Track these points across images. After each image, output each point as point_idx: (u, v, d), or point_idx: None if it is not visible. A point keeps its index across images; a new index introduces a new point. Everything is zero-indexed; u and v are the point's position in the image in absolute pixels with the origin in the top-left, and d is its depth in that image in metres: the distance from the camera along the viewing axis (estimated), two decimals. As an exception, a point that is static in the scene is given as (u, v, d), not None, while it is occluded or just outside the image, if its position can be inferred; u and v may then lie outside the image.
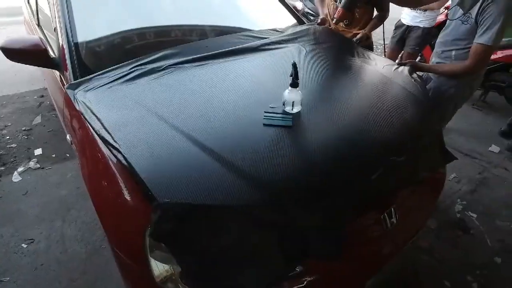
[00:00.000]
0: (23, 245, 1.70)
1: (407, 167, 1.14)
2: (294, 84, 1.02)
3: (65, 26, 1.38)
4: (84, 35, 1.40)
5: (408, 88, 1.40)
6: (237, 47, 1.50)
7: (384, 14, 1.95)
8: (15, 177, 2.17)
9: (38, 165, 2.27)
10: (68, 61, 1.33)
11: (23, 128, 2.65)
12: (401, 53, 2.95)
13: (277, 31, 1.75)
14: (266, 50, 1.54)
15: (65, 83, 1.32)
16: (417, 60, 3.08)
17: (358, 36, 1.87)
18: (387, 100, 1.28)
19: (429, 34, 2.69)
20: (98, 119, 1.07)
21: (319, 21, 1.91)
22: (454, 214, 1.98)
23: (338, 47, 1.69)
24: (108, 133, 1.00)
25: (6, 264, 1.60)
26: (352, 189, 0.99)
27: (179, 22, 1.69)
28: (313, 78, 1.33)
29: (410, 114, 1.25)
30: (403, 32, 2.75)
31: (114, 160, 0.97)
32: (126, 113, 1.08)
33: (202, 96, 1.17)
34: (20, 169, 2.24)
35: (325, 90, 1.29)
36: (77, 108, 1.16)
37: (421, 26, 2.62)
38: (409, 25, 2.69)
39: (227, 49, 1.47)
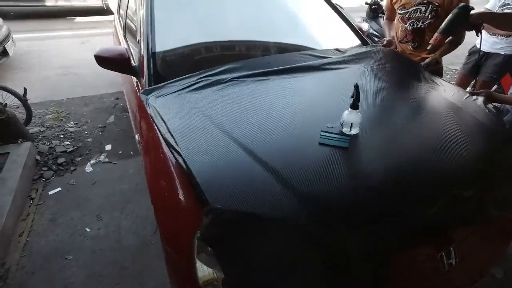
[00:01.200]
0: (86, 229, 1.90)
1: (474, 203, 1.03)
2: (355, 106, 1.01)
3: (147, 39, 1.55)
4: (161, 47, 1.56)
5: (479, 118, 1.28)
6: (299, 64, 1.53)
7: (459, 39, 1.83)
8: (88, 168, 2.44)
9: (107, 159, 2.53)
10: (145, 69, 1.48)
11: (99, 125, 2.98)
12: (473, 82, 2.71)
13: (340, 51, 1.75)
14: (328, 70, 1.54)
15: (141, 89, 1.47)
16: (492, 89, 2.80)
17: (427, 60, 1.78)
18: (455, 129, 1.19)
19: (510, 62, 2.44)
20: (165, 123, 1.17)
21: (385, 42, 1.87)
22: (529, 266, 1.72)
23: (403, 71, 1.63)
24: (172, 137, 1.09)
25: (72, 244, 1.80)
26: (405, 218, 0.92)
27: (245, 38, 1.79)
28: (374, 100, 1.30)
29: (481, 145, 1.14)
30: (479, 58, 2.54)
31: (175, 162, 1.04)
32: (190, 121, 1.17)
33: (261, 110, 1.22)
34: (93, 161, 2.52)
35: (386, 114, 1.25)
36: (148, 111, 1.28)
37: (502, 53, 2.40)
38: (487, 51, 2.47)
39: (288, 66, 1.51)
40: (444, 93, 1.45)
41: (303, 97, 1.31)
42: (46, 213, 2.02)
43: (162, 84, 1.41)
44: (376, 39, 3.09)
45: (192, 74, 1.45)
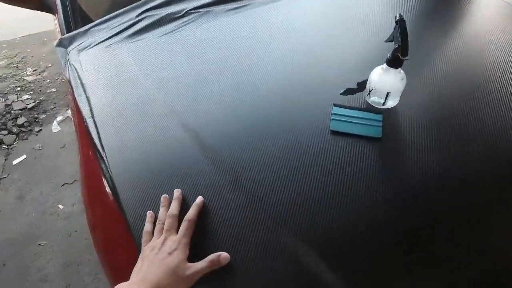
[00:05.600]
0: (59, 205, 1.64)
1: None
2: (395, 62, 0.54)
3: None
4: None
5: None
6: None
7: None
8: (55, 127, 2.08)
9: (76, 114, 2.14)
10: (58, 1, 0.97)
11: (62, 71, 2.49)
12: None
13: None
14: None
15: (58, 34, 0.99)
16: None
17: None
18: None
19: None
20: (89, 104, 0.75)
21: None
22: None
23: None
24: (97, 132, 0.68)
25: (44, 226, 1.56)
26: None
27: None
28: (430, 32, 0.79)
29: None
30: None
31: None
32: (125, 99, 0.73)
33: (234, 70, 0.75)
34: (59, 118, 2.13)
35: (457, 64, 0.70)
36: (66, 76, 0.85)
37: None
38: None
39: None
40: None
41: (303, 37, 0.81)
42: (12, 189, 1.75)
43: (86, 27, 0.93)
44: None
45: (131, 6, 0.94)
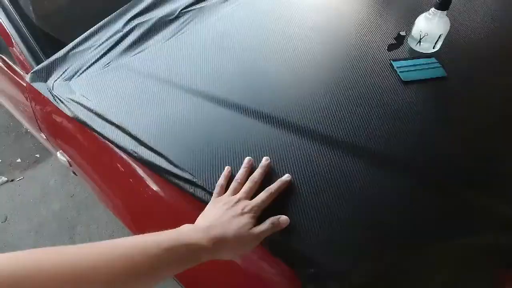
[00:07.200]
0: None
1: None
2: (445, 4, 0.60)
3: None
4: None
5: None
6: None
7: None
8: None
9: (5, 178, 1.74)
10: (10, 30, 0.77)
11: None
12: None
13: None
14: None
15: (21, 70, 0.79)
16: None
17: None
18: None
19: None
20: (121, 130, 0.62)
21: None
22: None
23: None
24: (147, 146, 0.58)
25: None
26: None
27: None
28: None
29: None
30: None
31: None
32: (160, 117, 0.62)
33: (259, 61, 0.71)
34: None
35: None
36: (67, 112, 0.68)
37: None
38: None
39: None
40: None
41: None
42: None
43: (63, 51, 0.76)
44: None
45: (109, 18, 0.81)
